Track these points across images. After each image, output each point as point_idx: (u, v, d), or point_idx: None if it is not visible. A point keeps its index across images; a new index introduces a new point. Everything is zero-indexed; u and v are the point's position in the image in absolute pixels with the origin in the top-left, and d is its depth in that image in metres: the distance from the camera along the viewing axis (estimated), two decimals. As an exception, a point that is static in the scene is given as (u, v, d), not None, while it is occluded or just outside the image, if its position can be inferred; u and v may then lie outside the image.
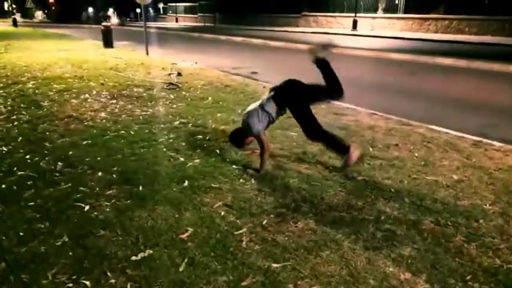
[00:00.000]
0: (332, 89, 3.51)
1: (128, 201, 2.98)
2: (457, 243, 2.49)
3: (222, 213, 2.82)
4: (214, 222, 2.69)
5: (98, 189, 3.19)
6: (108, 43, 15.36)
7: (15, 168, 3.59)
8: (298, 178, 3.42)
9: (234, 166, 3.65)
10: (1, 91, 6.85)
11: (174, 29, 33.58)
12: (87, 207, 2.89)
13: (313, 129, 3.56)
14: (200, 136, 4.56)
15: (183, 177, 3.39)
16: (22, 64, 10.28)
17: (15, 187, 3.24)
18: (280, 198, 3.04)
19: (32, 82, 7.66)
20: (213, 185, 3.26)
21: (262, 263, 2.26)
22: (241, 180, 3.37)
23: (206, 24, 39.97)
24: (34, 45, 16.05)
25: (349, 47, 15.72)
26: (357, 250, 2.39)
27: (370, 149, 4.18)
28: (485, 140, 4.55)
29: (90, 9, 57.15)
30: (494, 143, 4.47)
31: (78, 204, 2.95)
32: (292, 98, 3.52)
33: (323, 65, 3.50)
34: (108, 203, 2.95)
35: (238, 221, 2.72)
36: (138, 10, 48.12)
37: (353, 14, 26.63)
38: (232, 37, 22.60)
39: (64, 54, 12.65)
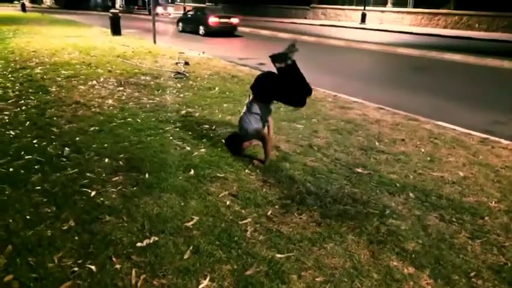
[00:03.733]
0: (298, 93, 3.39)
1: (134, 188, 3.00)
2: (461, 240, 2.49)
3: (228, 202, 2.83)
4: (220, 212, 2.71)
5: (104, 175, 3.21)
6: (116, 30, 15.31)
7: (22, 152, 3.62)
8: (303, 170, 3.42)
9: (239, 157, 3.66)
10: (9, 75, 6.87)
11: (181, 17, 33.37)
12: (93, 193, 2.92)
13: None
14: (207, 126, 4.56)
15: (189, 166, 3.41)
16: (30, 49, 10.29)
17: (22, 171, 3.27)
18: (285, 190, 3.05)
19: (40, 67, 7.67)
20: (218, 174, 3.27)
21: (266, 253, 2.27)
22: (246, 170, 3.37)
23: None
24: (42, 31, 16.03)
25: (357, 41, 15.60)
26: (361, 243, 2.40)
27: (376, 143, 4.16)
28: (492, 138, 4.52)
29: (99, -4, 56.79)
30: (502, 140, 4.44)
31: (85, 189, 2.97)
32: (266, 92, 3.46)
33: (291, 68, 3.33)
34: (114, 190, 2.98)
35: (243, 211, 2.73)
36: (146, -2, 47.73)
37: (362, 7, 26.34)
38: (241, 27, 22.46)
39: (72, 41, 12.64)
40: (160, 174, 3.24)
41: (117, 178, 3.16)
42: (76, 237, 2.40)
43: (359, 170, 3.45)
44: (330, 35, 17.98)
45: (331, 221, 2.61)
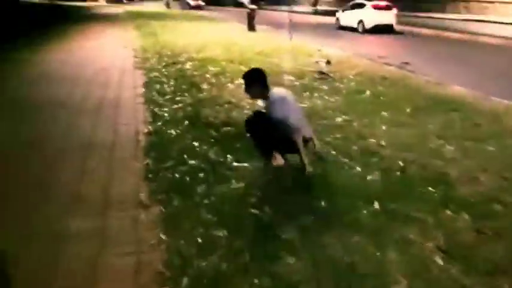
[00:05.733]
0: None
1: (311, 218, 2.50)
2: None
3: (439, 261, 2.13)
4: (432, 274, 2.03)
5: (273, 194, 2.79)
6: (251, 27, 15.47)
7: (185, 156, 3.45)
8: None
9: (430, 188, 2.90)
10: (164, 70, 7.15)
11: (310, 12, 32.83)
12: (265, 219, 2.51)
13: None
14: (373, 140, 3.89)
15: (370, 195, 2.78)
16: (179, 45, 10.78)
17: (187, 178, 3.07)
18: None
19: (189, 63, 7.88)
20: (411, 213, 2.58)
21: None
22: (448, 212, 2.61)
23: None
24: (186, 27, 16.98)
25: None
26: None
27: None
28: None
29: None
30: None
31: (254, 211, 2.60)
32: None
33: None
34: (285, 215, 2.52)
35: (464, 278, 2.00)
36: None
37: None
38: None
39: (212, 36, 13.04)
40: (337, 202, 2.70)
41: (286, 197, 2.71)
42: (255, 280, 2.00)
43: None
44: (479, 31, 15.46)
45: None
